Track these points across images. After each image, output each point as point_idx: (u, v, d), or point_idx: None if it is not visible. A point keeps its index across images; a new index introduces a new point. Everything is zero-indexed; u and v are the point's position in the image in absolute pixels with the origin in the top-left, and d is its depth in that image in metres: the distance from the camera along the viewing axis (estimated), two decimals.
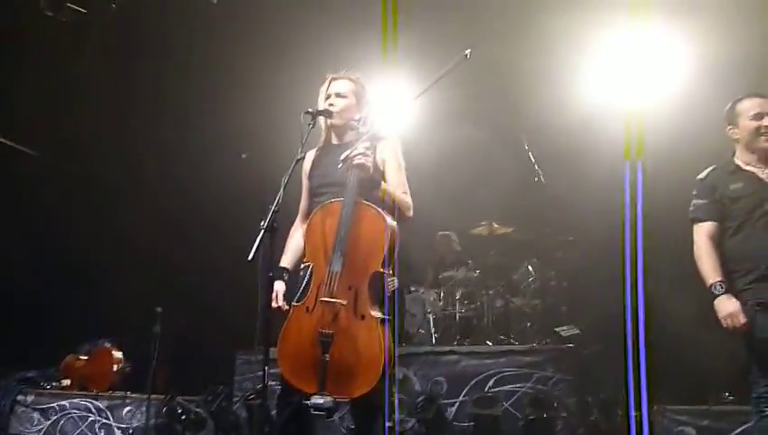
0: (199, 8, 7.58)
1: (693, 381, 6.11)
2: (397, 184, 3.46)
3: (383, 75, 5.77)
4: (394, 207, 3.37)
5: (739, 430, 5.02)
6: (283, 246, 3.65)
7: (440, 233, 8.44)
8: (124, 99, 8.37)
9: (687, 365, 6.32)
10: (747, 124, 3.88)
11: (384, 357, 3.06)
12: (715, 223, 3.88)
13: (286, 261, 3.61)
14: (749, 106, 3.89)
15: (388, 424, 3.25)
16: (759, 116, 3.84)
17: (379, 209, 3.25)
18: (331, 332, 3.09)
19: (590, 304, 7.41)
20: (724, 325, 3.71)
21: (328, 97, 3.63)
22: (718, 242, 3.85)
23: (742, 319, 3.63)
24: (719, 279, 3.74)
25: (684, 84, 6.70)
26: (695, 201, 3.98)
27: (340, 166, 3.28)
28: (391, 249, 3.22)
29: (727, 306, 3.68)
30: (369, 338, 3.09)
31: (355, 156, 3.22)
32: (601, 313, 7.11)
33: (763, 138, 3.84)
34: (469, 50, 3.18)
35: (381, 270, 3.21)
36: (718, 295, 3.72)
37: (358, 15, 6.86)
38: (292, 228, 3.73)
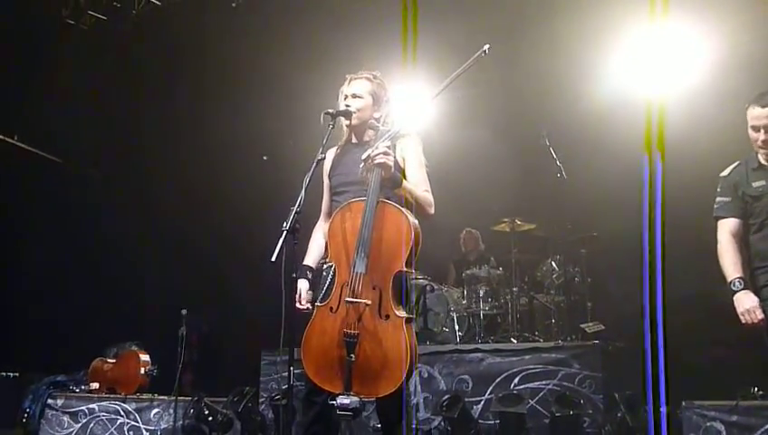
0: (220, 11, 7.64)
1: (721, 376, 6.04)
2: (418, 181, 3.46)
3: (403, 74, 5.78)
4: (415, 206, 3.37)
5: None
6: (306, 247, 3.67)
7: (466, 229, 8.42)
8: (148, 104, 8.46)
9: (715, 360, 6.26)
10: (749, 132, 3.86)
11: (410, 356, 3.06)
12: (737, 220, 3.90)
13: (309, 259, 3.65)
14: (751, 115, 3.84)
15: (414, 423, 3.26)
16: (756, 129, 3.80)
17: (402, 208, 3.25)
18: (356, 332, 3.10)
19: (615, 300, 7.36)
20: (743, 321, 3.78)
21: (345, 97, 3.64)
22: (741, 239, 3.87)
23: (759, 315, 3.69)
24: (738, 276, 3.79)
25: (705, 77, 6.63)
26: (718, 198, 3.99)
27: (361, 165, 3.29)
28: (414, 248, 3.22)
29: (744, 302, 3.74)
30: (394, 338, 3.09)
31: (376, 155, 3.22)
32: (627, 308, 7.04)
33: (761, 151, 3.82)
34: (488, 45, 3.16)
35: (405, 269, 3.21)
36: (736, 292, 3.78)
37: (378, 16, 6.87)
38: (316, 227, 3.76)
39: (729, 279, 3.83)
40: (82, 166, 8.96)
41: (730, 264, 3.84)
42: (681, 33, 6.63)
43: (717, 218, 3.96)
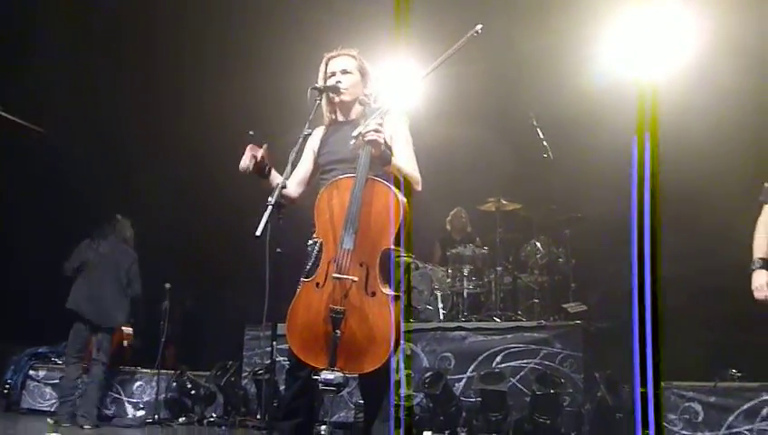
0: None
1: (700, 357, 6.12)
2: (405, 159, 3.45)
3: (392, 51, 5.74)
4: (402, 182, 3.36)
5: (746, 406, 5.04)
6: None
7: (457, 208, 8.42)
8: (136, 77, 8.37)
9: (695, 342, 6.33)
10: None
11: (395, 333, 3.07)
12: None
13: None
14: None
15: (394, 400, 3.27)
16: None
17: (391, 186, 3.25)
18: (342, 308, 3.10)
19: (598, 281, 7.43)
20: (755, 297, 4.00)
21: (333, 75, 3.60)
22: None
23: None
24: (759, 256, 4.03)
25: (695, 59, 6.65)
26: (766, 184, 4.16)
27: (352, 142, 3.26)
28: (402, 226, 3.22)
29: (757, 279, 3.99)
30: (380, 315, 3.10)
31: (368, 132, 3.20)
32: (609, 290, 7.12)
33: None
34: (480, 25, 3.14)
35: (392, 247, 3.21)
36: (753, 270, 4.03)
37: None
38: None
39: (753, 258, 4.07)
40: (64, 137, 8.85)
41: (757, 245, 4.07)
42: (671, 14, 6.62)
43: (762, 203, 4.15)
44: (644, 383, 4.71)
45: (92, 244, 6.98)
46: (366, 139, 3.20)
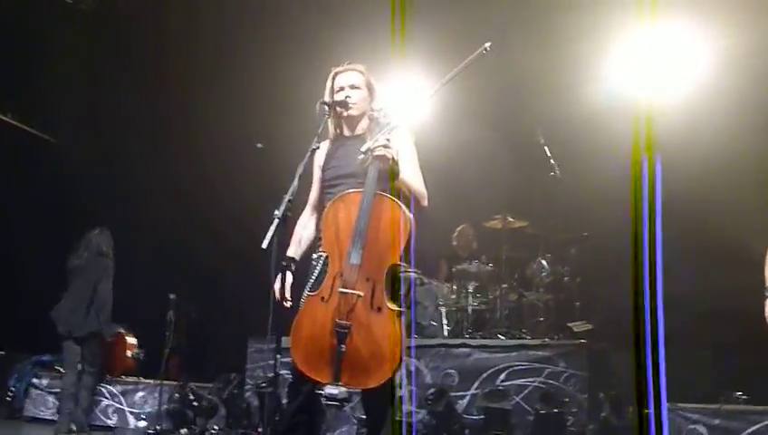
0: (213, 1, 7.62)
1: (705, 379, 6.08)
2: (412, 174, 3.46)
3: (399, 68, 5.77)
4: (410, 198, 3.37)
5: (751, 429, 5.00)
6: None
7: (462, 226, 8.41)
8: (143, 89, 8.42)
9: (700, 363, 6.30)
10: None
11: (400, 349, 3.07)
12: None
13: (294, 251, 3.60)
14: None
15: (397, 416, 3.26)
16: None
17: (398, 201, 3.26)
18: (347, 323, 3.10)
19: (603, 300, 7.39)
20: None
21: (341, 89, 3.61)
22: None
23: None
24: None
25: (700, 79, 6.66)
26: None
27: (361, 157, 3.27)
28: (408, 241, 3.23)
29: None
30: (385, 330, 3.10)
31: (376, 147, 3.22)
32: (614, 309, 7.07)
33: None
34: (489, 43, 3.17)
35: (398, 262, 3.21)
36: (766, 297, 4.22)
37: (376, 8, 6.85)
38: (300, 218, 3.72)
39: (765, 285, 4.22)
40: (72, 146, 8.91)
41: None
42: (676, 34, 6.65)
43: None
44: (648, 404, 4.69)
45: (73, 257, 7.16)
46: (375, 154, 3.21)
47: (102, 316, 7.00)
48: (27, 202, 8.89)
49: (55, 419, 7.06)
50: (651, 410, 4.75)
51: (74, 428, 6.66)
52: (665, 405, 4.56)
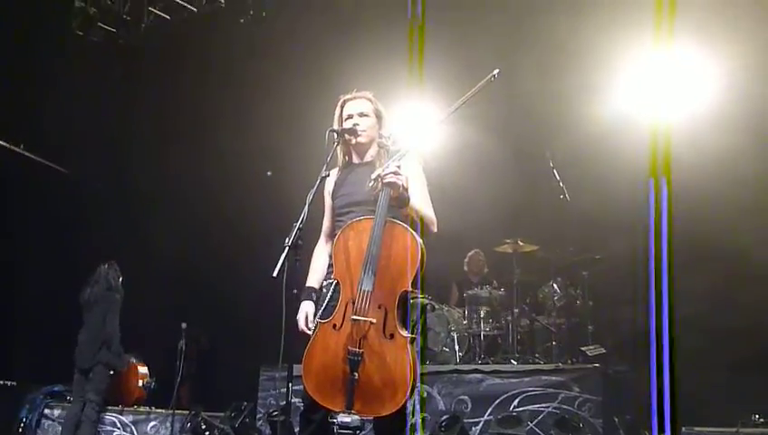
0: (228, 27, 7.69)
1: (722, 401, 6.01)
2: (421, 200, 3.46)
3: (409, 94, 5.80)
4: (420, 224, 3.37)
5: None
6: (308, 263, 3.66)
7: (474, 251, 8.41)
8: (153, 119, 8.50)
9: (716, 385, 6.23)
10: None
11: (413, 377, 3.05)
12: None
13: (313, 280, 3.61)
14: None
15: None
16: None
17: (409, 228, 3.25)
18: (360, 350, 3.08)
19: (616, 324, 7.35)
20: None
21: (350, 117, 3.63)
22: None
23: None
24: None
25: (710, 101, 6.67)
26: None
27: (371, 184, 3.28)
28: (420, 268, 3.22)
29: None
30: (398, 357, 3.08)
31: (387, 174, 3.22)
32: (627, 332, 7.04)
33: None
34: (497, 70, 3.18)
35: (410, 289, 3.21)
36: None
37: (384, 36, 6.91)
38: (316, 248, 3.73)
39: None
40: (85, 178, 8.98)
41: None
42: (686, 57, 6.66)
43: None
44: (664, 429, 4.63)
45: (84, 292, 7.35)
46: (385, 181, 3.21)
47: (112, 349, 7.09)
48: (40, 232, 8.94)
49: None
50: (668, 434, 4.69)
51: None
52: (668, 429, 4.51)
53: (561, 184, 7.45)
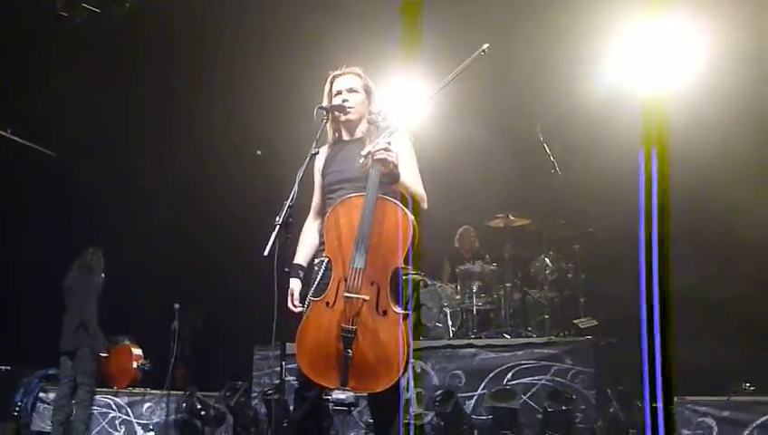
0: (214, 5, 7.60)
1: (713, 371, 6.07)
2: (411, 176, 3.45)
3: (399, 69, 5.76)
4: (410, 200, 3.36)
5: (760, 420, 4.98)
6: (298, 241, 3.65)
7: (464, 227, 8.41)
8: (142, 98, 8.42)
9: (708, 355, 6.29)
10: None
11: (407, 352, 3.06)
12: None
13: (301, 258, 3.60)
14: None
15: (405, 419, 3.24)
16: None
17: (400, 204, 3.25)
18: (353, 327, 3.09)
19: (608, 296, 7.38)
20: None
21: (338, 93, 3.60)
22: None
23: None
24: None
25: (702, 73, 6.64)
26: None
27: (361, 161, 3.26)
28: (412, 244, 3.21)
29: None
30: (391, 334, 3.09)
31: (377, 151, 3.20)
32: (619, 304, 7.07)
33: None
34: (487, 45, 3.15)
35: (402, 266, 3.20)
36: None
37: (374, 12, 6.84)
38: (305, 225, 3.72)
39: None
40: (74, 159, 8.91)
41: None
42: (678, 28, 6.62)
43: None
44: (656, 399, 4.67)
45: (66, 278, 7.46)
46: (375, 158, 3.20)
47: (89, 331, 7.18)
48: (30, 217, 8.89)
49: None
50: (660, 405, 4.73)
51: None
52: (660, 398, 4.55)
53: (551, 158, 7.44)
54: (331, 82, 3.65)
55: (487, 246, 8.23)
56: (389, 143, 3.25)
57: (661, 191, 4.86)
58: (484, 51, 3.18)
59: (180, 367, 7.84)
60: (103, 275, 7.49)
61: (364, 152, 3.25)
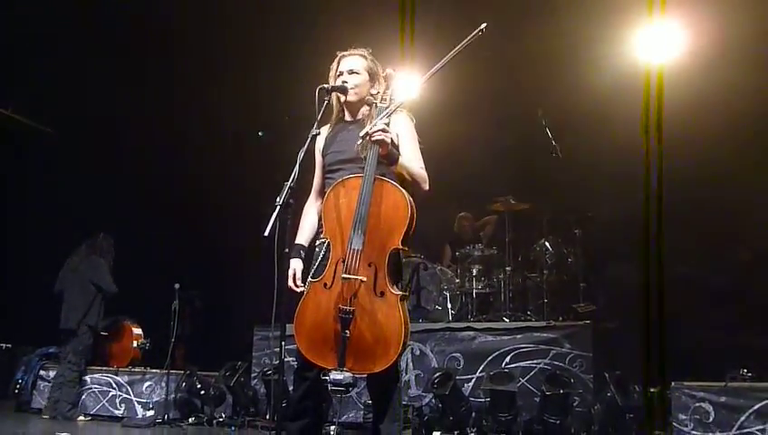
0: None
1: (710, 356, 6.09)
2: (412, 158, 3.44)
3: (399, 51, 5.73)
4: (410, 182, 3.35)
5: (757, 406, 4.99)
6: (299, 222, 3.65)
7: (460, 214, 8.41)
8: (145, 78, 8.37)
9: (705, 341, 6.31)
10: None
11: (404, 334, 3.06)
12: None
13: (302, 238, 3.60)
14: None
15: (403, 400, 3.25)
16: None
17: (399, 186, 3.24)
18: (351, 308, 3.09)
19: (607, 281, 7.40)
20: None
21: (340, 74, 3.59)
22: None
23: None
24: None
25: (704, 56, 6.61)
26: None
27: (359, 142, 3.26)
28: (410, 226, 3.21)
29: None
30: (389, 315, 3.09)
31: (375, 132, 3.19)
32: (618, 289, 7.10)
33: None
34: (485, 24, 3.14)
35: (401, 247, 3.20)
36: None
37: None
38: (306, 205, 3.72)
39: None
40: (75, 138, 8.89)
41: None
42: (681, 11, 6.59)
43: None
44: (654, 383, 4.69)
45: (68, 262, 7.66)
46: (373, 138, 3.19)
47: (74, 314, 7.36)
48: (31, 197, 8.90)
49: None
50: (657, 390, 4.76)
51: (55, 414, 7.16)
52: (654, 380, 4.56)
53: (553, 142, 7.42)
54: (338, 62, 3.64)
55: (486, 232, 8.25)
56: (387, 124, 3.24)
57: (661, 177, 4.86)
58: (482, 30, 3.16)
59: (180, 347, 7.88)
60: (112, 261, 7.68)
61: (362, 133, 3.24)
